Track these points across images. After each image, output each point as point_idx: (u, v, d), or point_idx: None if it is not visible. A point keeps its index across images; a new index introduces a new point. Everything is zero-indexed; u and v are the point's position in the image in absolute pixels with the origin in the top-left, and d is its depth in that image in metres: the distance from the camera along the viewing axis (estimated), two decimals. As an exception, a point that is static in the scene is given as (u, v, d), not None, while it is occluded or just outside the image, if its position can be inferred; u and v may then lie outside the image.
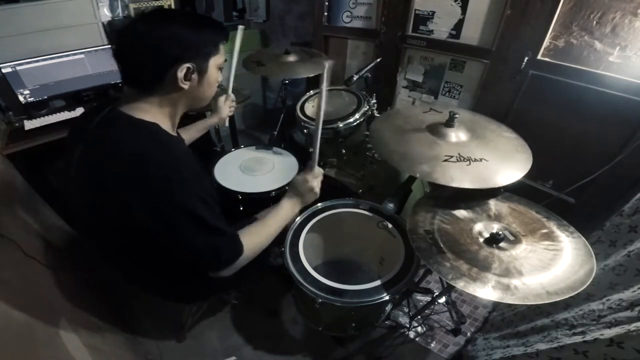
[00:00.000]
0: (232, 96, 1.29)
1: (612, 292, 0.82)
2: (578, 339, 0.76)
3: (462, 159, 0.93)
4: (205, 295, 1.16)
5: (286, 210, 0.92)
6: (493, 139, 1.02)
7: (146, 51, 0.65)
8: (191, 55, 0.68)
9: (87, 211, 0.78)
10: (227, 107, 1.26)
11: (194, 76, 0.70)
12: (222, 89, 1.76)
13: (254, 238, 0.82)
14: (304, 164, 1.40)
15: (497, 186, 0.87)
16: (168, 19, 0.68)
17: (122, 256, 0.88)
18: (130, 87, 0.71)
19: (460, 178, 0.87)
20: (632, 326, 0.65)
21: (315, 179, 0.93)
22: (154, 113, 0.71)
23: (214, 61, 0.74)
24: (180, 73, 0.67)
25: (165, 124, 0.73)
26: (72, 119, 1.58)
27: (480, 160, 0.92)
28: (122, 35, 0.67)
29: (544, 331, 0.90)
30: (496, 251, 0.84)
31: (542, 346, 0.85)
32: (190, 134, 1.20)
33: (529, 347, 0.90)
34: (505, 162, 0.93)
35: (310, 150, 0.99)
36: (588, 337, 0.73)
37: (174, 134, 0.78)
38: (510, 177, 0.89)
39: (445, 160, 0.92)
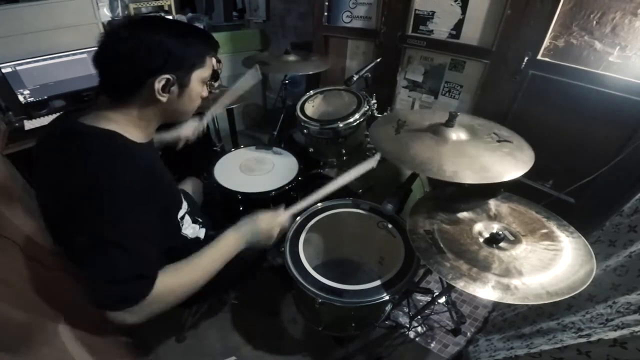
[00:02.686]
0: (204, 124, 1.22)
1: (615, 293, 0.82)
2: (582, 340, 0.76)
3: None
4: (202, 298, 1.16)
5: (229, 245, 0.79)
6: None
7: (126, 58, 0.62)
8: (173, 66, 0.64)
9: (58, 229, 0.72)
10: (191, 129, 1.17)
11: (174, 89, 0.67)
12: (221, 90, 1.76)
13: (176, 277, 0.67)
14: (304, 164, 1.40)
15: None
16: (154, 27, 0.64)
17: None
18: (105, 96, 0.68)
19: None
20: (638, 327, 0.65)
21: (280, 226, 0.87)
22: (120, 121, 0.67)
23: (198, 75, 0.69)
24: (158, 84, 0.63)
25: (132, 132, 0.68)
26: (42, 128, 1.54)
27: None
28: (104, 40, 0.63)
29: (550, 334, 0.90)
30: (496, 251, 0.84)
31: (546, 347, 0.85)
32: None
33: (533, 348, 0.90)
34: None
35: (298, 199, 0.95)
36: (592, 338, 0.73)
37: (143, 141, 0.72)
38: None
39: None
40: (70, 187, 0.61)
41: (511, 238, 0.88)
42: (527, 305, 1.02)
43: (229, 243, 0.79)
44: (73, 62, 1.69)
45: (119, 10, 1.97)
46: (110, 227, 0.59)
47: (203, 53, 0.69)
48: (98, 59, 0.64)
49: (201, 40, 0.69)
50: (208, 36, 0.72)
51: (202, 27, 2.02)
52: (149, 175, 0.68)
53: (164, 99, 0.66)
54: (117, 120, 0.67)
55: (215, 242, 0.78)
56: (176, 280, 0.67)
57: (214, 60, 0.74)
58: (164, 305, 0.65)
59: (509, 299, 0.71)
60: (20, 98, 1.59)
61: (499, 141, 0.99)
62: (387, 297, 0.89)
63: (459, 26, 1.55)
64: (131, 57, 0.62)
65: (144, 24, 0.64)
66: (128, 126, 0.68)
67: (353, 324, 1.08)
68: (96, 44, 0.64)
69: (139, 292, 0.60)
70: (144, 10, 2.11)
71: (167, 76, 0.64)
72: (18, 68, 1.55)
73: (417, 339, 1.31)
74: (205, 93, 0.75)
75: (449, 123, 1.00)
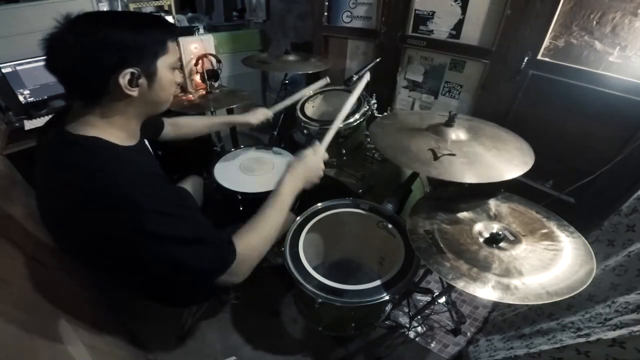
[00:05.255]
0: (270, 115, 1.38)
1: (614, 292, 0.82)
2: (581, 340, 0.76)
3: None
4: (203, 299, 1.17)
5: (288, 191, 0.83)
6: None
7: (80, 62, 0.58)
8: (133, 59, 0.61)
9: (65, 235, 0.73)
10: (260, 117, 1.33)
11: (142, 81, 0.64)
12: (222, 90, 1.76)
13: (251, 235, 0.74)
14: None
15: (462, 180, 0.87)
16: (99, 23, 0.60)
17: (108, 273, 0.86)
18: (76, 100, 0.66)
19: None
20: (637, 327, 0.65)
21: (323, 158, 0.95)
22: (100, 126, 0.65)
23: (164, 62, 0.67)
24: (123, 80, 0.61)
25: (114, 135, 0.66)
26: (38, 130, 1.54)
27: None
28: (50, 46, 0.59)
29: (550, 334, 0.90)
30: (496, 251, 0.84)
31: (545, 347, 0.85)
32: (211, 126, 1.28)
33: (532, 348, 0.90)
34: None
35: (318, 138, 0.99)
36: (591, 338, 0.73)
37: (129, 143, 0.71)
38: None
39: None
40: (89, 204, 0.60)
41: (511, 238, 0.88)
42: (527, 305, 1.02)
43: (290, 188, 0.84)
44: (73, 62, 1.69)
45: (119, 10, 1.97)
46: (151, 215, 0.61)
47: (162, 39, 0.66)
48: (51, 67, 0.61)
49: (156, 27, 0.66)
50: (162, 21, 0.68)
51: (202, 27, 2.01)
52: (148, 173, 0.67)
53: (134, 93, 0.64)
54: (95, 125, 0.65)
55: (277, 192, 0.82)
56: (254, 236, 0.75)
57: (176, 43, 0.71)
58: (253, 261, 0.74)
59: (509, 299, 0.71)
60: (20, 98, 1.60)
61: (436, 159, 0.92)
62: (387, 297, 0.89)
63: (459, 26, 1.55)
64: (85, 60, 0.58)
65: (88, 22, 0.60)
66: (109, 128, 0.66)
67: (353, 324, 1.08)
68: (42, 51, 0.59)
69: (227, 257, 0.68)
70: (143, 10, 2.11)
71: (130, 70, 0.61)
72: (18, 68, 1.55)
73: (417, 339, 1.31)
74: (178, 79, 0.73)
75: (449, 123, 1.01)
